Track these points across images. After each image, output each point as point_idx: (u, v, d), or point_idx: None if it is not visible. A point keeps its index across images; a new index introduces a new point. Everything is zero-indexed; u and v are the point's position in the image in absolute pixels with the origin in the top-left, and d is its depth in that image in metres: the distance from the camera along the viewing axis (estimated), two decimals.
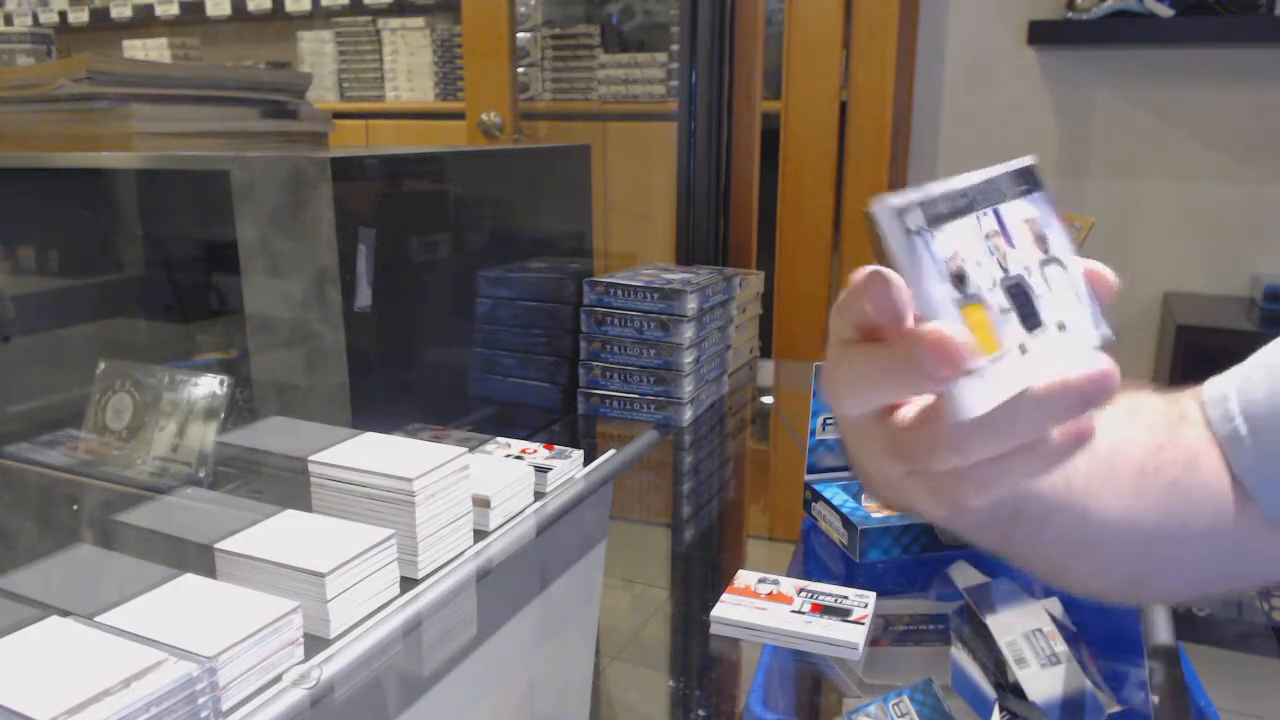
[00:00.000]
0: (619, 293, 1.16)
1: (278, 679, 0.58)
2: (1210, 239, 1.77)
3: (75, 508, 0.81)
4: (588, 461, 0.94)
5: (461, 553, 0.75)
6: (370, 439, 0.75)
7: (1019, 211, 0.35)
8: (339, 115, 1.90)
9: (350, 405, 0.85)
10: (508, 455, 0.89)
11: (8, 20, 2.95)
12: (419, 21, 2.56)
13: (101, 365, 0.88)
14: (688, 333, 1.15)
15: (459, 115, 2.27)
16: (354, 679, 0.62)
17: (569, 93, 2.28)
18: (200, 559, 0.65)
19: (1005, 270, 0.34)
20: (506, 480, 0.81)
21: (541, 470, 0.86)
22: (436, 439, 0.84)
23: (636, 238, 1.98)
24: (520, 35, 2.24)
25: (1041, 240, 0.35)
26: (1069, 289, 0.35)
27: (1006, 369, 0.33)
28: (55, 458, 0.87)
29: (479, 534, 0.77)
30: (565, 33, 2.28)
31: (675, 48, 1.99)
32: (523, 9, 2.25)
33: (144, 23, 2.86)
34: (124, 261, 1.21)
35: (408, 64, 2.57)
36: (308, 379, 0.90)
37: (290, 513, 0.70)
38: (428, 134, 2.44)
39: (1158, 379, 1.90)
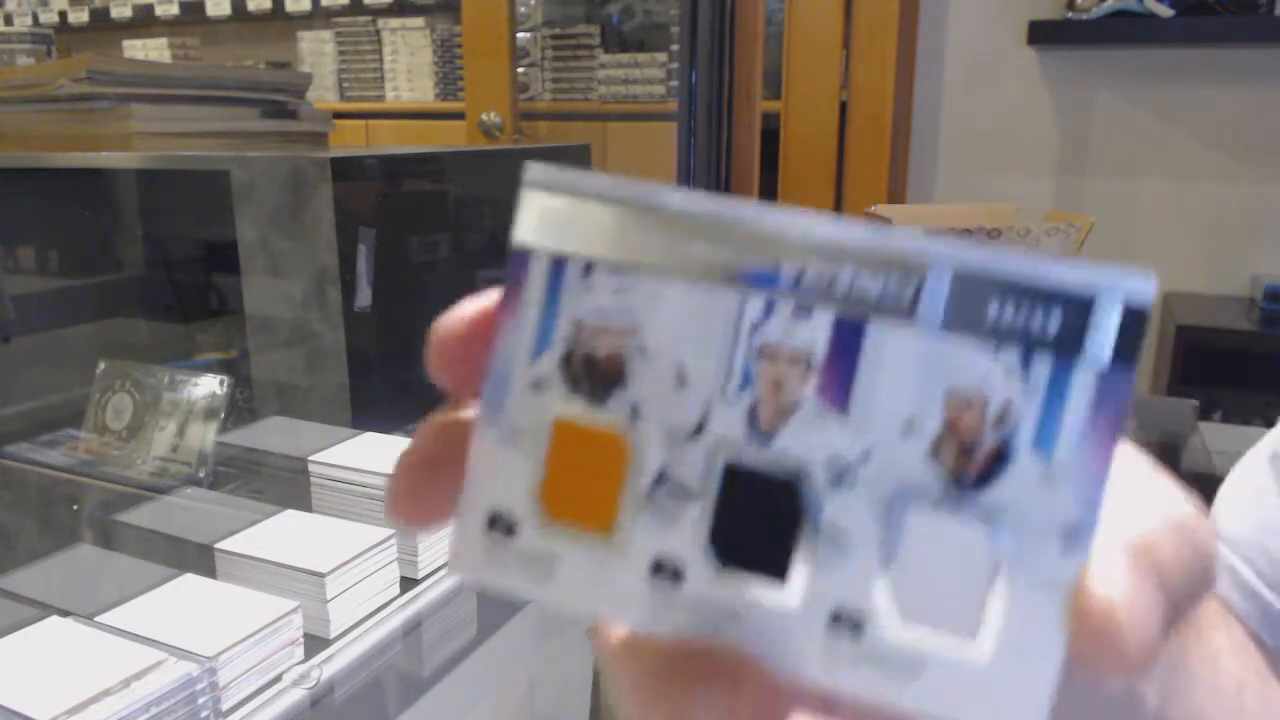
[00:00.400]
0: None
1: (278, 679, 0.58)
2: (1210, 239, 1.77)
3: (75, 508, 0.81)
4: None
5: None
6: (370, 439, 0.75)
7: (943, 363, 0.16)
8: (339, 115, 1.90)
9: (350, 405, 0.85)
10: None
11: (8, 20, 2.95)
12: (419, 21, 2.55)
13: (101, 365, 0.88)
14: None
15: (459, 115, 2.27)
16: (354, 679, 0.62)
17: (569, 93, 2.28)
18: (200, 559, 0.65)
19: (756, 431, 0.17)
20: None
21: None
22: None
23: None
24: (520, 35, 2.24)
25: (969, 447, 0.16)
26: (974, 583, 0.16)
27: (567, 562, 0.17)
28: (55, 458, 0.87)
29: None
30: (565, 33, 2.28)
31: (675, 48, 1.99)
32: (523, 9, 2.25)
33: (144, 23, 2.85)
34: (124, 261, 1.20)
35: (408, 64, 2.57)
36: (308, 379, 0.90)
37: (290, 513, 0.70)
38: (428, 134, 2.44)
39: (1158, 380, 1.88)
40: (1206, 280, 1.76)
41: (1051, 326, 0.16)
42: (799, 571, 0.16)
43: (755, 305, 0.17)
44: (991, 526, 0.16)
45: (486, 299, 0.19)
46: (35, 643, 0.54)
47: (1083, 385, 0.15)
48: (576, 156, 1.33)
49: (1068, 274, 0.16)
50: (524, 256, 0.18)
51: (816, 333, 0.16)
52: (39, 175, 1.13)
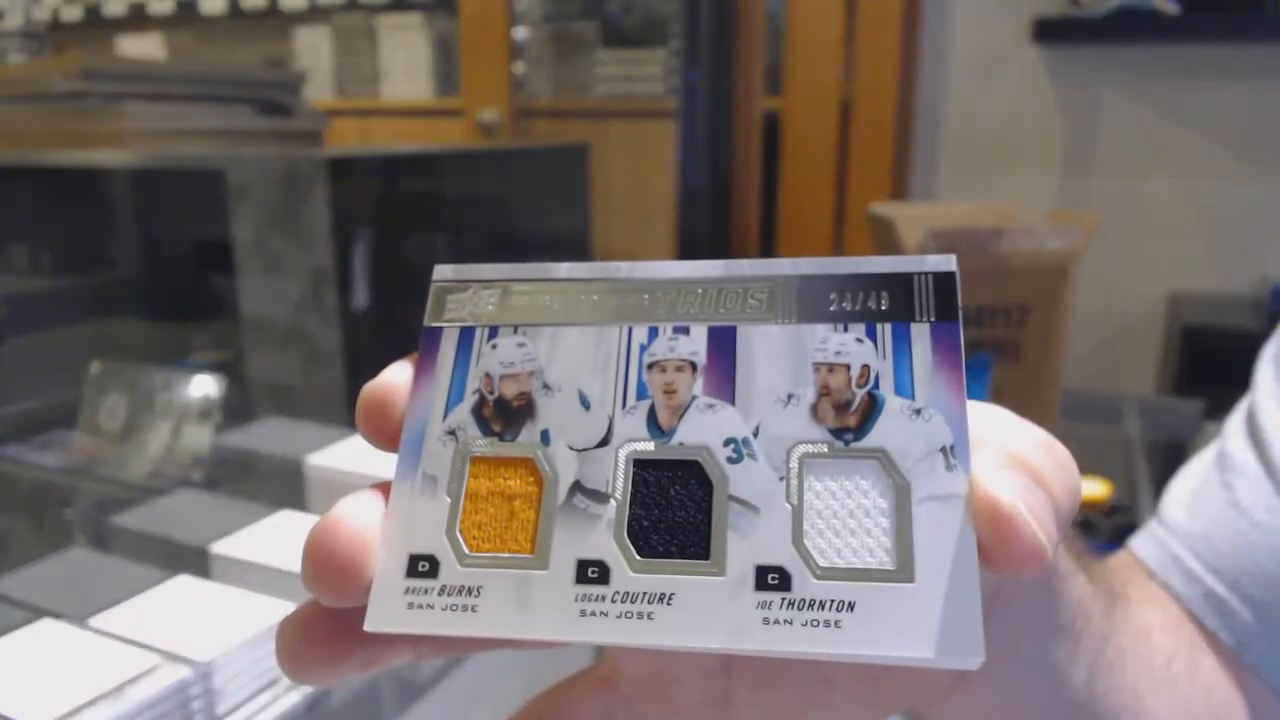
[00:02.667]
0: None
1: (273, 683, 0.57)
2: (1218, 238, 1.76)
3: (68, 510, 0.80)
4: None
5: None
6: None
7: (802, 345, 0.19)
8: (335, 112, 1.89)
9: (346, 405, 0.85)
10: None
11: (0, 17, 2.93)
12: (416, 18, 2.55)
13: (95, 366, 0.87)
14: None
15: (457, 112, 2.26)
16: (350, 683, 0.62)
17: (568, 90, 2.27)
18: (195, 561, 0.65)
19: (657, 430, 0.19)
20: None
21: None
22: None
23: (636, 237, 1.97)
24: (518, 31, 2.23)
25: (843, 406, 0.18)
26: (874, 519, 0.17)
27: (497, 591, 0.18)
28: (48, 459, 0.86)
29: None
30: (564, 29, 2.27)
31: (676, 44, 1.98)
32: (521, 5, 2.24)
33: (137, 20, 2.84)
34: (118, 261, 1.20)
35: (405, 61, 2.56)
36: (303, 379, 0.90)
37: (286, 513, 0.69)
38: (425, 131, 2.43)
39: (1164, 380, 1.87)
40: (1213, 280, 1.75)
41: (883, 302, 0.19)
42: (718, 542, 0.17)
43: (640, 332, 0.19)
44: (879, 463, 0.18)
45: (406, 364, 0.21)
46: (27, 646, 0.53)
47: (920, 338, 0.18)
48: (575, 155, 1.33)
49: (885, 263, 0.19)
50: (436, 332, 0.20)
51: (695, 343, 0.19)
52: (32, 174, 1.13)
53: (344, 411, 0.86)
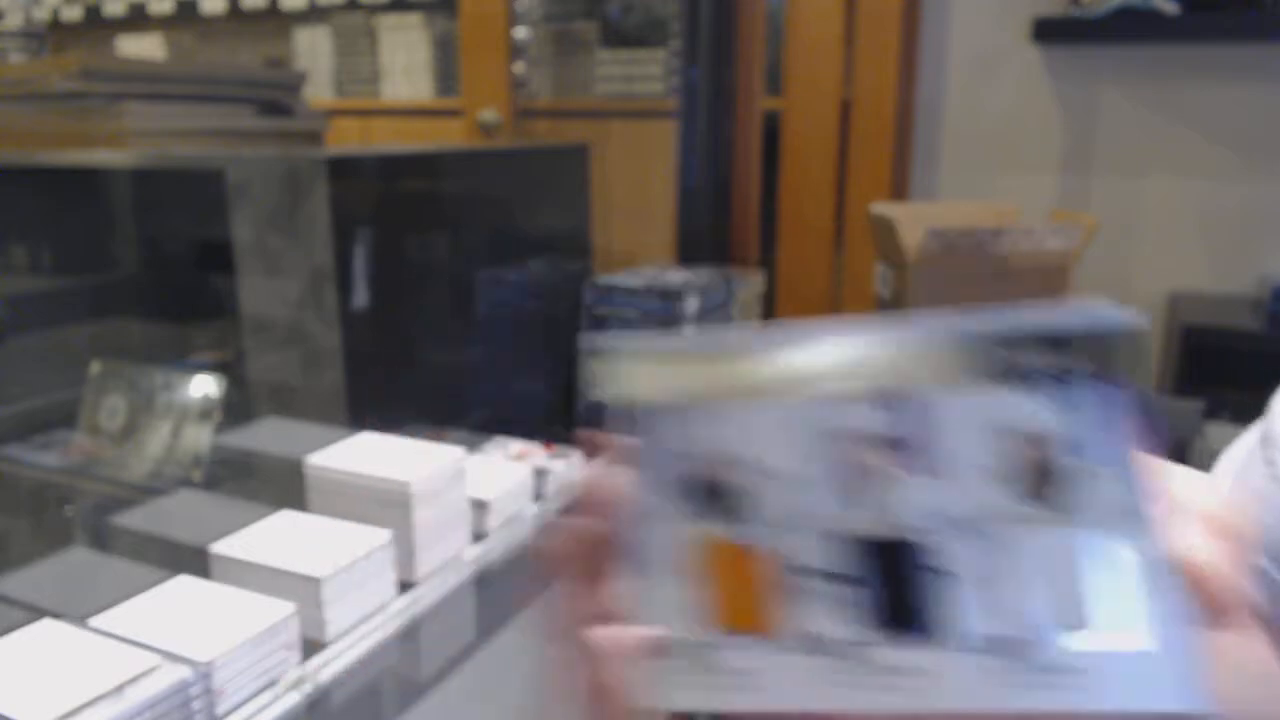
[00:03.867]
0: (619, 293, 1.16)
1: (273, 683, 0.57)
2: (1217, 238, 1.76)
3: (69, 510, 0.80)
4: None
5: (460, 555, 0.74)
6: (366, 439, 0.74)
7: (997, 413, 0.19)
8: (335, 112, 1.89)
9: (346, 405, 0.85)
10: (506, 457, 0.89)
11: (0, 17, 2.93)
12: (416, 18, 2.54)
13: (95, 366, 0.87)
14: (688, 334, 1.14)
15: (457, 113, 2.26)
16: (351, 683, 0.61)
17: (568, 89, 2.27)
18: (195, 561, 0.65)
19: (872, 509, 0.19)
20: (505, 482, 0.80)
21: (540, 471, 0.86)
22: (434, 440, 0.83)
23: (636, 237, 1.97)
24: (518, 31, 2.23)
25: (1042, 474, 0.19)
26: (1081, 578, 0.18)
27: (744, 667, 0.19)
28: (49, 459, 0.86)
29: (477, 536, 0.76)
30: (564, 29, 2.27)
31: (676, 44, 1.98)
32: (521, 5, 2.24)
33: (138, 20, 2.84)
34: (118, 261, 1.20)
35: (405, 61, 2.56)
36: (303, 379, 0.89)
37: (286, 514, 0.69)
38: (426, 131, 2.43)
39: (1163, 381, 1.86)
40: (1212, 279, 1.75)
41: (1072, 363, 0.19)
42: (942, 615, 0.18)
43: (835, 406, 0.20)
44: (1079, 527, 0.18)
45: (612, 449, 0.21)
46: (27, 647, 0.53)
47: (1106, 403, 0.19)
48: (575, 156, 1.33)
49: (1072, 320, 0.19)
50: (629, 413, 0.21)
51: (889, 415, 0.19)
52: (32, 174, 1.12)
53: (344, 411, 0.85)
